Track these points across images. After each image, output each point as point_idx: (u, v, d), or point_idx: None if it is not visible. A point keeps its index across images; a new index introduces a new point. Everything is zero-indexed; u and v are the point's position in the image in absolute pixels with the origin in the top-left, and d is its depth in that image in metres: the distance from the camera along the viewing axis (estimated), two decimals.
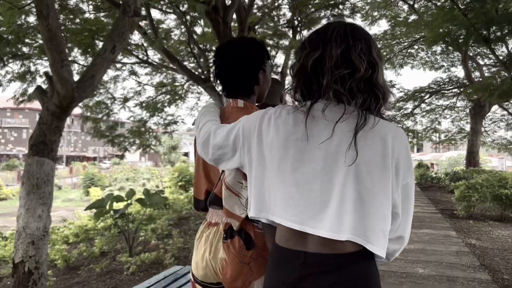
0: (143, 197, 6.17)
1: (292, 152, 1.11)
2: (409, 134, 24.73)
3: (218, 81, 1.65)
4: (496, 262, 5.14)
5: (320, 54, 1.10)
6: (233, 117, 1.38)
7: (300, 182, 1.09)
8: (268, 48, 16.06)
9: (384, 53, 20.60)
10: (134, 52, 11.58)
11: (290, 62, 17.17)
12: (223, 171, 1.38)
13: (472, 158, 19.15)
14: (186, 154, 48.56)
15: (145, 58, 11.79)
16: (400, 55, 21.26)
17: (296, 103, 1.16)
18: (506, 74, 12.96)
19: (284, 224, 1.10)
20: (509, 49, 13.68)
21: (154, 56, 12.76)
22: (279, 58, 18.93)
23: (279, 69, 17.00)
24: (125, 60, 12.27)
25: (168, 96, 14.58)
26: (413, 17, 17.80)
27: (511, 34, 12.93)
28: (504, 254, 5.60)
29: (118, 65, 12.64)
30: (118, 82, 13.55)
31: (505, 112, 21.48)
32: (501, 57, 14.02)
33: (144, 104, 13.43)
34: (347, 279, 1.04)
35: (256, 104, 1.63)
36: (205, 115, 1.43)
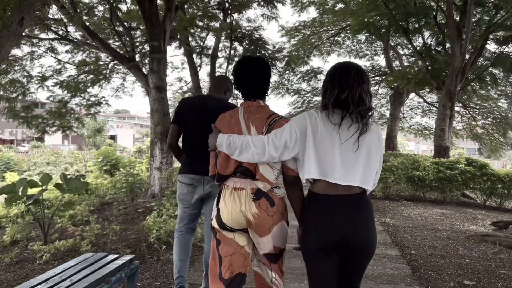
0: (61, 182, 5.85)
1: (334, 138, 1.94)
2: None
3: (237, 87, 2.29)
4: (406, 239, 5.53)
5: (346, 94, 1.94)
6: (260, 111, 2.20)
7: (337, 156, 1.93)
8: (198, 30, 15.77)
9: (313, 40, 21.10)
10: (52, 28, 10.81)
11: (221, 45, 17.04)
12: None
13: (390, 142, 20.33)
14: (112, 137, 46.71)
15: (65, 34, 11.07)
16: (328, 42, 21.87)
17: (324, 112, 1.98)
18: (422, 63, 13.86)
19: (330, 181, 1.93)
20: (425, 40, 14.61)
21: (75, 32, 12.03)
22: (210, 40, 18.70)
23: (210, 52, 16.82)
24: (42, 35, 11.47)
25: (91, 76, 13.83)
26: (340, 5, 18.38)
27: (427, 26, 13.81)
28: (413, 231, 6.04)
29: (35, 41, 11.78)
30: (34, 59, 12.67)
31: (421, 100, 23.01)
32: (418, 48, 14.95)
33: (64, 84, 12.66)
34: (361, 209, 1.98)
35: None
36: (230, 139, 2.07)
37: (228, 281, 2.12)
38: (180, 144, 3.24)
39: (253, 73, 2.24)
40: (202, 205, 3.14)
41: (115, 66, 14.31)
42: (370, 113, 1.99)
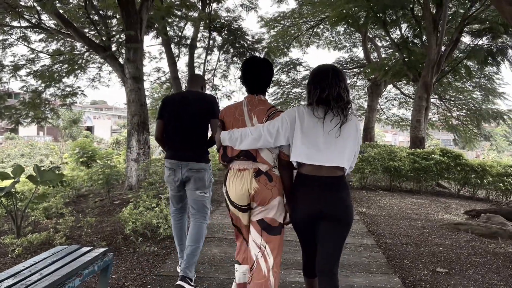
0: (34, 174, 5.70)
1: (318, 130, 2.34)
2: None
3: (243, 82, 2.69)
4: (381, 228, 5.62)
5: (327, 93, 2.33)
6: (261, 105, 2.61)
7: (321, 144, 2.32)
8: (176, 19, 15.55)
9: (292, 32, 21.08)
10: (25, 15, 10.48)
11: (199, 35, 16.87)
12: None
13: (368, 133, 20.58)
14: (89, 129, 45.88)
15: (38, 22, 10.76)
16: (307, 34, 21.88)
17: (310, 107, 2.39)
18: (399, 55, 14.02)
19: (315, 164, 2.32)
20: (402, 32, 14.77)
21: (49, 21, 11.71)
22: (188, 30, 18.47)
23: (188, 42, 16.62)
24: (14, 23, 11.11)
25: (66, 66, 13.50)
26: None
27: (404, 18, 13.96)
28: (389, 220, 6.14)
29: (6, 29, 11.41)
30: (6, 47, 12.29)
31: (399, 91, 23.31)
32: (395, 40, 15.11)
33: (38, 74, 12.33)
34: (340, 188, 2.36)
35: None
36: (230, 133, 2.51)
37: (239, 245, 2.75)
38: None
39: (258, 72, 2.65)
40: (185, 187, 3.41)
41: (91, 55, 14.00)
42: (349, 106, 2.38)
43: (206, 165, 3.41)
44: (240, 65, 2.84)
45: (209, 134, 3.50)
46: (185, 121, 3.35)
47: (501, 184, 9.02)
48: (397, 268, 3.90)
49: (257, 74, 2.64)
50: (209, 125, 3.40)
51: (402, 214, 6.71)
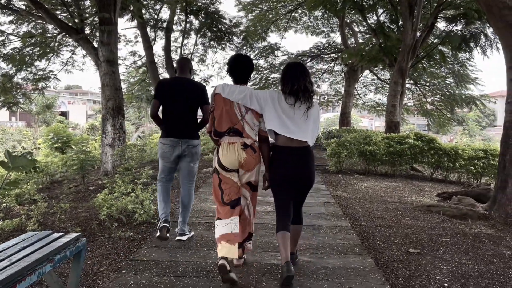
0: (5, 159, 5.55)
1: (292, 112, 3.13)
2: None
3: (230, 74, 3.40)
4: (356, 210, 5.71)
5: (296, 86, 3.12)
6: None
7: (293, 123, 3.11)
8: (151, 1, 15.21)
9: (270, 16, 20.93)
10: None
11: (176, 18, 16.56)
12: (243, 118, 3.23)
13: (345, 118, 20.76)
14: (63, 114, 44.83)
15: (7, 3, 10.36)
16: (285, 18, 21.75)
17: (283, 95, 3.18)
18: (375, 40, 14.11)
19: (295, 138, 3.13)
20: (379, 17, 14.84)
21: (19, 1, 11.29)
22: (164, 13, 18.12)
23: (164, 25, 16.31)
24: None
25: (38, 49, 13.10)
26: None
27: (380, 3, 14.02)
28: (364, 203, 6.25)
29: None
30: None
31: (375, 77, 23.53)
32: (372, 25, 15.18)
33: (8, 57, 11.93)
34: (308, 157, 3.20)
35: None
36: (237, 89, 3.27)
37: (229, 203, 3.25)
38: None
39: (243, 67, 3.39)
40: (179, 161, 4.13)
41: (64, 38, 13.61)
42: (313, 95, 3.24)
43: (199, 141, 4.18)
44: (227, 61, 3.50)
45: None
46: (181, 105, 4.02)
47: (472, 167, 9.27)
48: (371, 249, 3.98)
49: (243, 69, 3.38)
50: (199, 109, 4.11)
51: (377, 197, 6.84)
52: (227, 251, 3.05)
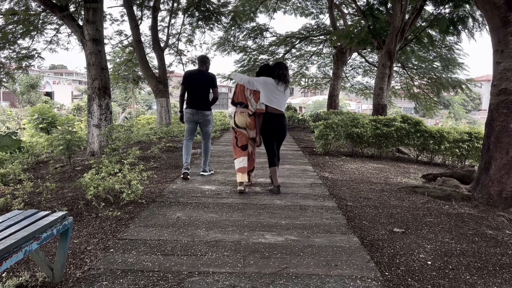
0: None
1: (277, 91, 5.35)
2: None
3: (257, 74, 5.73)
4: (343, 191, 5.78)
5: (282, 75, 5.38)
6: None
7: (275, 99, 5.35)
8: None
9: None
10: None
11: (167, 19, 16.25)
12: (248, 100, 5.49)
13: (333, 101, 20.79)
14: (48, 94, 44.08)
15: None
16: None
17: (275, 80, 5.35)
18: (364, 23, 14.06)
19: (276, 108, 5.36)
20: None
21: None
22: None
23: (151, 4, 16.01)
24: None
25: (21, 26, 12.77)
26: None
27: None
28: (350, 184, 6.32)
29: None
30: None
31: (363, 60, 23.53)
32: (361, 7, 15.10)
33: None
34: (283, 120, 5.54)
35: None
36: (243, 76, 5.69)
37: (241, 146, 5.52)
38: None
39: (264, 71, 5.58)
40: (199, 125, 6.38)
41: (48, 16, 13.29)
42: (289, 81, 5.38)
43: (211, 112, 6.39)
44: (261, 66, 5.78)
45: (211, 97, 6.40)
46: (199, 89, 6.20)
47: (457, 150, 9.40)
48: (356, 229, 4.04)
49: (262, 72, 5.60)
50: (211, 91, 6.32)
51: (363, 178, 6.91)
52: (241, 177, 5.38)
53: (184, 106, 6.40)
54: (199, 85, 6.16)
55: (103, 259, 3.06)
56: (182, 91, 6.28)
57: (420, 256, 3.39)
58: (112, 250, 3.24)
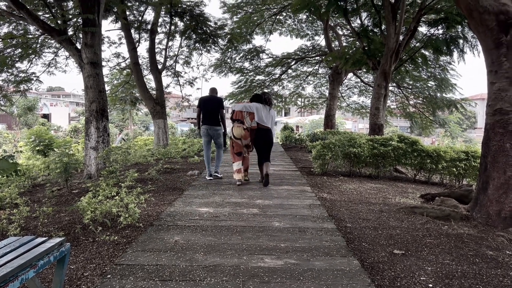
0: None
1: (265, 111, 7.69)
2: (277, 98, 25.89)
3: (251, 101, 8.20)
4: (342, 212, 5.75)
5: (267, 97, 7.90)
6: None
7: (265, 118, 7.66)
8: (136, 3, 15.08)
9: (255, 18, 20.97)
10: None
11: (160, 20, 16.47)
12: (244, 118, 7.62)
13: (329, 120, 20.89)
14: (45, 116, 44.10)
15: None
16: (270, 20, 21.82)
17: (262, 103, 7.75)
18: (359, 44, 14.25)
19: (264, 125, 7.65)
20: (363, 21, 14.98)
21: None
22: (149, 15, 17.97)
23: (149, 27, 16.20)
24: None
25: (20, 50, 12.88)
26: None
27: (364, 7, 14.17)
28: (349, 205, 6.29)
29: None
30: None
31: (359, 80, 23.74)
32: (356, 29, 15.32)
33: None
34: (269, 133, 7.77)
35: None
36: (241, 105, 7.84)
37: (237, 153, 7.67)
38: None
39: (256, 99, 7.82)
40: (212, 138, 8.20)
41: (46, 39, 13.42)
42: (272, 103, 7.93)
43: (220, 128, 8.16)
44: (255, 94, 8.03)
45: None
46: (210, 110, 8.02)
47: (454, 169, 9.41)
48: (356, 251, 4.01)
49: (254, 99, 7.83)
50: (219, 112, 8.08)
51: (361, 198, 6.89)
52: (238, 176, 7.56)
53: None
54: (210, 106, 8.01)
55: (100, 286, 3.01)
56: (198, 112, 8.09)
57: (421, 278, 3.36)
58: (109, 276, 3.20)
